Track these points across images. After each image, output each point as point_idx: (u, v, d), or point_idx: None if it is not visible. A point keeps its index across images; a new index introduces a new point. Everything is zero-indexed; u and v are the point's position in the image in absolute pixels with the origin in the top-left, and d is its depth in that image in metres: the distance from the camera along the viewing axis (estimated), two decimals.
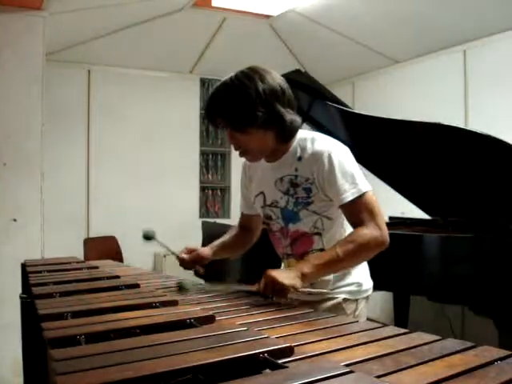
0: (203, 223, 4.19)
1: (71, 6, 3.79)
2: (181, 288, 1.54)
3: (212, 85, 5.72)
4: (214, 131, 5.80)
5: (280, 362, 0.79)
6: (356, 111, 2.91)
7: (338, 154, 1.45)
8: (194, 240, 4.19)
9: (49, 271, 1.78)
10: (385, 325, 1.13)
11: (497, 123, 3.58)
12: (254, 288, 1.42)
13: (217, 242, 1.79)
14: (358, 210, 1.42)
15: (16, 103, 3.23)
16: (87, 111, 5.03)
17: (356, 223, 1.43)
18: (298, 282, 1.33)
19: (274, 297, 1.37)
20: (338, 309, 1.50)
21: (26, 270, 1.82)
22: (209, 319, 1.07)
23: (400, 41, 4.40)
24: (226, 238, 1.81)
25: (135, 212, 5.10)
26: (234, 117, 1.42)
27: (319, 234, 1.52)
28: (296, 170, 1.50)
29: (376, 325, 1.12)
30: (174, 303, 1.24)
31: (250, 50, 4.94)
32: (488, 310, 2.36)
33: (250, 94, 1.39)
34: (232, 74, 1.46)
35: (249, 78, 1.41)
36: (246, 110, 1.40)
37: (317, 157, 1.46)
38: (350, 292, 1.55)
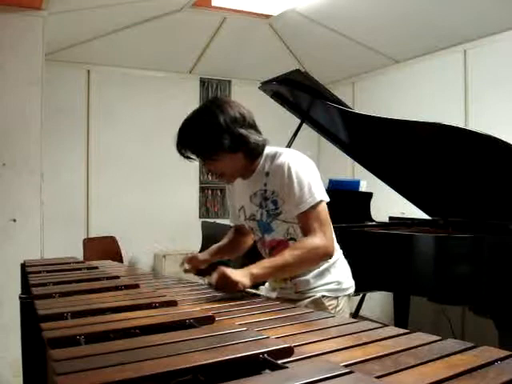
0: (203, 223, 4.19)
1: (71, 5, 3.79)
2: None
3: (212, 85, 5.72)
4: None
5: (280, 362, 0.79)
6: (356, 111, 2.91)
7: (296, 165, 1.57)
8: (194, 240, 4.20)
9: (48, 271, 1.78)
10: (385, 325, 1.13)
11: (497, 123, 3.58)
12: (208, 281, 1.58)
13: (214, 247, 1.96)
14: (310, 219, 1.54)
15: (16, 103, 3.23)
16: (87, 111, 5.03)
17: (306, 230, 1.55)
18: (246, 280, 1.46)
19: (222, 290, 1.49)
20: (317, 304, 1.63)
21: (25, 270, 1.82)
22: (209, 319, 1.07)
23: (400, 41, 4.40)
24: (222, 242, 1.98)
25: (135, 212, 5.10)
26: (202, 148, 1.58)
27: (293, 238, 1.66)
28: (265, 184, 1.65)
29: (376, 325, 1.12)
30: (173, 303, 1.24)
31: (250, 50, 4.95)
32: (488, 310, 2.36)
33: (213, 127, 1.54)
34: (194, 109, 1.63)
35: (208, 111, 1.57)
36: (210, 140, 1.55)
37: (278, 170, 1.60)
38: (329, 290, 1.67)
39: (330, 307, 1.65)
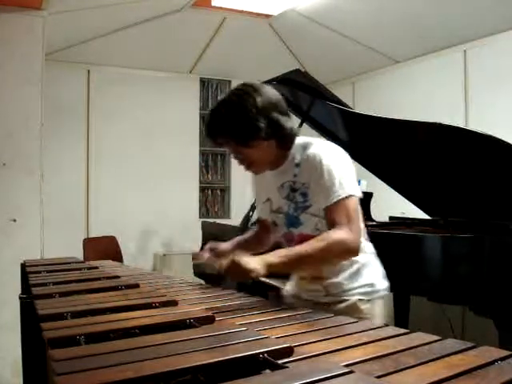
0: (203, 223, 4.19)
1: (71, 5, 3.79)
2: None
3: (212, 85, 5.73)
4: None
5: (280, 362, 0.79)
6: (356, 111, 2.91)
7: (329, 157, 1.48)
8: (194, 240, 4.20)
9: (48, 271, 1.78)
10: (385, 325, 1.13)
11: (497, 123, 3.58)
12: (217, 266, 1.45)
13: (238, 239, 1.83)
14: (336, 212, 1.44)
15: (16, 103, 3.23)
16: (87, 111, 5.03)
17: (332, 224, 1.45)
18: (260, 269, 1.34)
19: (233, 278, 1.41)
20: (353, 309, 1.51)
21: (25, 270, 1.82)
22: (209, 319, 1.07)
23: (400, 41, 4.40)
24: (247, 235, 1.86)
25: (135, 212, 5.10)
26: (237, 132, 1.47)
27: None
28: (295, 175, 1.55)
29: (376, 325, 1.12)
30: (173, 303, 1.24)
31: (250, 50, 4.95)
32: (488, 310, 2.35)
33: (250, 108, 1.44)
34: (226, 93, 1.52)
35: (244, 92, 1.47)
36: (247, 124, 1.45)
37: (310, 161, 1.50)
38: (363, 293, 1.55)
39: (365, 311, 1.53)
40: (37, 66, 3.26)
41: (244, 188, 4.19)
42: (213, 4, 4.16)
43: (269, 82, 2.97)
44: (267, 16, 4.42)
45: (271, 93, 1.51)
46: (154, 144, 5.25)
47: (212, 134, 1.52)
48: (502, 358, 0.83)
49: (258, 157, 1.53)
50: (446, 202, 2.94)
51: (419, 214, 3.38)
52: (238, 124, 1.45)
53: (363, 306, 1.54)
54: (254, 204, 3.27)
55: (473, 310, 2.43)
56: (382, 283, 1.62)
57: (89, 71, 5.03)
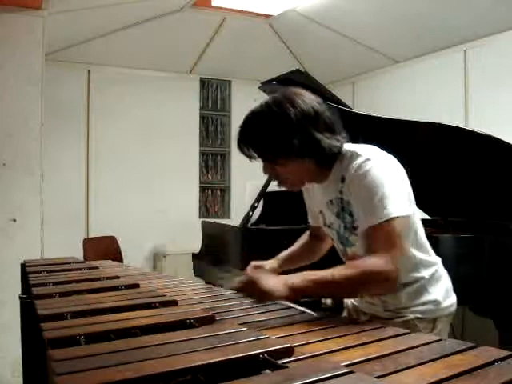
0: (203, 223, 4.19)
1: (71, 5, 3.79)
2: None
3: (212, 85, 5.73)
4: (214, 131, 5.80)
5: (280, 362, 0.79)
6: (356, 111, 2.91)
7: (374, 170, 1.27)
8: (194, 240, 4.20)
9: (48, 271, 1.78)
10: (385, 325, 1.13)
11: (497, 123, 3.58)
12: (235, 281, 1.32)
13: (284, 253, 1.67)
14: (376, 236, 1.24)
15: (16, 103, 3.23)
16: (87, 111, 5.03)
17: (368, 250, 1.25)
18: (281, 291, 1.18)
19: (249, 298, 1.28)
20: (409, 326, 1.30)
21: (25, 270, 1.82)
22: (209, 319, 1.07)
23: (400, 41, 4.40)
24: (294, 247, 1.68)
25: (135, 212, 5.10)
26: (266, 146, 1.32)
27: None
28: (341, 192, 1.37)
29: (376, 325, 1.12)
30: (173, 303, 1.24)
31: (250, 50, 4.95)
32: (488, 310, 2.35)
33: (283, 122, 1.28)
34: (262, 102, 1.35)
35: (278, 104, 1.30)
36: (279, 140, 1.29)
37: (353, 176, 1.30)
38: (424, 311, 1.39)
39: (424, 330, 1.36)
40: (37, 66, 3.26)
41: (244, 188, 4.19)
42: (213, 4, 4.16)
43: (269, 82, 2.97)
44: (267, 16, 4.42)
45: (310, 105, 1.32)
46: (154, 144, 5.25)
47: (241, 146, 1.36)
48: (502, 358, 0.83)
49: (290, 175, 1.37)
50: (446, 201, 2.94)
51: (419, 213, 3.38)
52: (265, 138, 1.30)
53: (422, 325, 1.38)
54: (254, 204, 3.27)
55: (473, 310, 2.43)
56: (448, 300, 1.45)
57: (89, 71, 5.02)
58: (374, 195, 1.24)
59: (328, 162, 1.37)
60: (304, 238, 1.71)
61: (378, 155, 1.34)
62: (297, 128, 1.28)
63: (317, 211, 1.53)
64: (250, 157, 1.37)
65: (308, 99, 1.33)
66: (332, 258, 1.53)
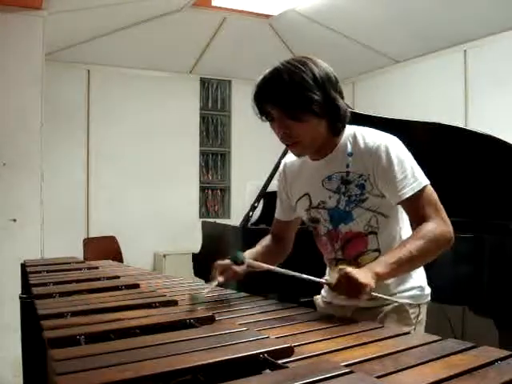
0: (203, 223, 4.19)
1: (71, 5, 3.79)
2: (193, 299, 1.36)
3: (212, 85, 5.73)
4: (214, 131, 5.80)
5: (280, 362, 0.79)
6: (356, 111, 2.91)
7: (395, 147, 1.37)
8: (194, 240, 4.20)
9: (49, 271, 1.78)
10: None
11: (497, 123, 3.58)
12: (322, 280, 1.32)
13: (248, 255, 1.59)
14: (420, 205, 1.32)
15: (16, 103, 3.23)
16: (87, 111, 5.03)
17: (420, 219, 1.32)
18: (373, 282, 1.19)
19: (346, 296, 1.22)
20: (400, 312, 1.40)
21: (25, 270, 1.82)
22: (209, 319, 1.07)
23: (400, 41, 4.40)
24: (257, 248, 1.61)
25: (135, 212, 5.10)
26: (289, 101, 1.32)
27: (374, 233, 1.41)
28: (347, 166, 1.40)
29: (376, 325, 1.12)
30: (173, 303, 1.24)
31: (250, 50, 4.95)
32: (488, 310, 2.35)
33: (306, 77, 1.31)
34: (283, 61, 1.37)
35: (302, 62, 1.34)
36: (302, 93, 1.31)
37: (372, 151, 1.36)
38: (412, 297, 1.44)
39: (412, 315, 1.41)
40: (37, 66, 3.26)
41: (244, 188, 4.19)
42: (213, 4, 4.16)
43: None
44: (267, 16, 4.42)
45: (330, 69, 1.38)
46: (154, 144, 5.25)
47: (259, 103, 1.38)
48: (502, 358, 0.83)
49: (306, 135, 1.37)
50: (446, 201, 2.94)
51: None
52: (290, 92, 1.31)
53: (411, 310, 1.42)
54: (254, 204, 3.27)
55: (473, 310, 2.43)
56: (427, 288, 1.51)
57: (89, 71, 5.02)
58: (404, 170, 1.34)
59: (338, 128, 1.42)
60: (266, 239, 1.64)
61: (385, 133, 1.43)
62: (320, 85, 1.33)
63: (297, 198, 1.53)
64: (266, 115, 1.39)
65: (326, 65, 1.39)
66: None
